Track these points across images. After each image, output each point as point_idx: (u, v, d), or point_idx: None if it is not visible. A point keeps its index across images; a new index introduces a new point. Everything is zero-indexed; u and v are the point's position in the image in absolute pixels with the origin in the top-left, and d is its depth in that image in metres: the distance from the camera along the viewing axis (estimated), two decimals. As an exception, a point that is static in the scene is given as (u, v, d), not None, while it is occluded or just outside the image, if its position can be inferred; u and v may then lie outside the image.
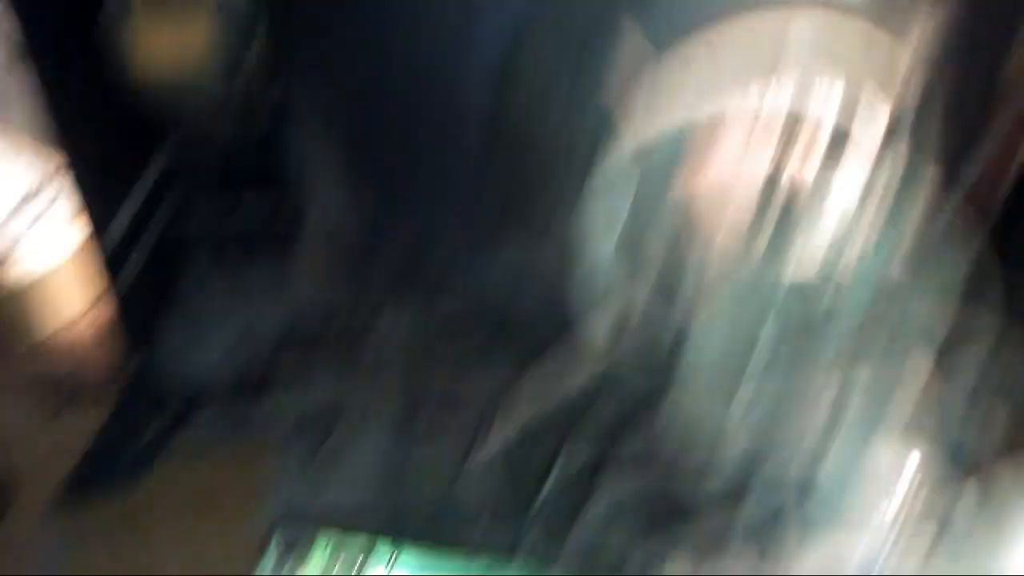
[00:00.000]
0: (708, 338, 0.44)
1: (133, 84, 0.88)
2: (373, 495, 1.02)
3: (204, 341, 1.14)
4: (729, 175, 0.48)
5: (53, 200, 1.32)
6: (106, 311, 0.99)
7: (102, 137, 0.99)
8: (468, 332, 1.11)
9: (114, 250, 0.98)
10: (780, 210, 0.41)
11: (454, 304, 1.06)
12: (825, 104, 0.48)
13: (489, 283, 0.83)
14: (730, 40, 0.50)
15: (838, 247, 0.44)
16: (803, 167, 0.46)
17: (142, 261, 1.07)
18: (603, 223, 0.56)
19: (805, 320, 0.43)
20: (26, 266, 1.26)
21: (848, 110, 0.48)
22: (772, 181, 0.42)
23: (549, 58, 0.61)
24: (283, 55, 0.80)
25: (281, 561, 0.83)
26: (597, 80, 0.58)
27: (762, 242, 0.42)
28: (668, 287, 0.53)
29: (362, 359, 1.13)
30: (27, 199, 1.33)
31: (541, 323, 1.01)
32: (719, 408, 0.47)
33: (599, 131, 0.57)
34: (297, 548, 0.87)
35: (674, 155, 0.51)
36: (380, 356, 1.11)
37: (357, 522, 1.03)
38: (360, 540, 0.93)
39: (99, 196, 0.97)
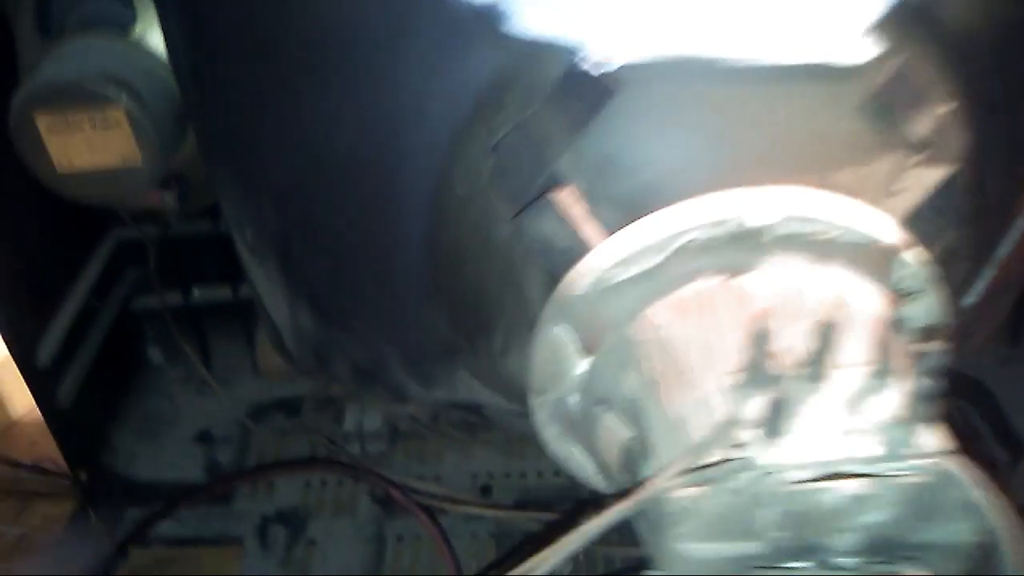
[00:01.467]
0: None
1: (51, 190, 0.82)
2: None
3: (162, 440, 1.09)
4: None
5: None
6: (50, 414, 0.94)
7: (26, 230, 0.92)
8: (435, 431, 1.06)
9: (49, 352, 0.92)
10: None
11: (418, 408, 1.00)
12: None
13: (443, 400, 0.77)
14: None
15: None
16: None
17: (88, 357, 1.01)
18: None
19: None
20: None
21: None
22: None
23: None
24: (211, 160, 0.73)
25: None
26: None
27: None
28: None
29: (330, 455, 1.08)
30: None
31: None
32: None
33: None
34: None
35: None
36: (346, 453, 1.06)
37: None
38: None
39: (29, 292, 0.91)
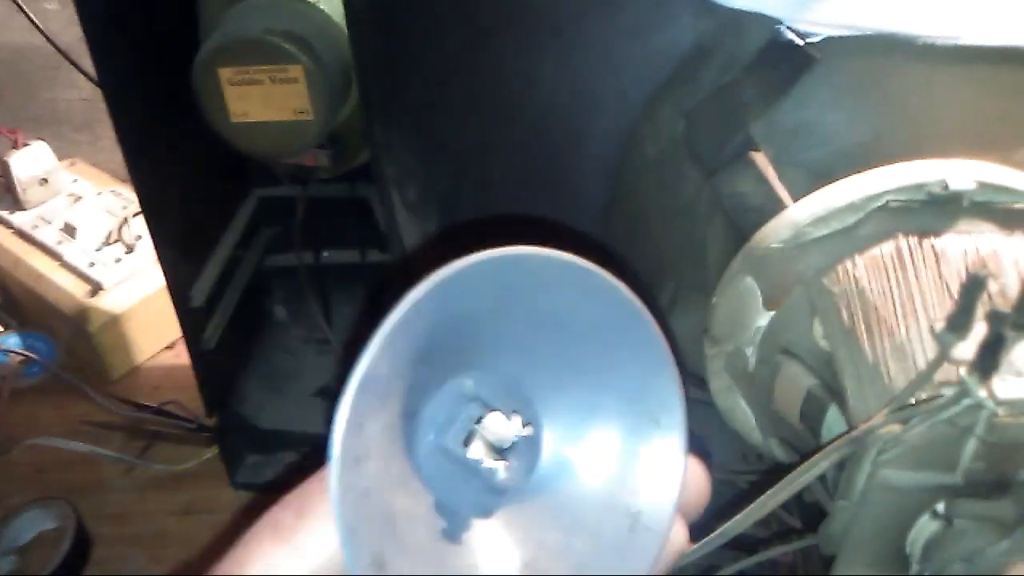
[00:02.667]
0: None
1: (221, 136, 0.87)
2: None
3: (285, 394, 1.15)
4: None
5: (138, 238, 1.34)
6: (197, 353, 1.00)
7: (189, 179, 0.98)
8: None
9: (199, 302, 0.98)
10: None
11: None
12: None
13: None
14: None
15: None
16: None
17: (231, 304, 1.07)
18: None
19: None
20: (115, 299, 1.29)
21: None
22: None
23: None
24: (381, 120, 0.78)
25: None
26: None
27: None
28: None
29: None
30: (112, 236, 1.35)
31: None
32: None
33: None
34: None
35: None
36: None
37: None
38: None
39: (187, 237, 0.97)
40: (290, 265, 1.16)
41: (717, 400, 0.56)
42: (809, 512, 1.01)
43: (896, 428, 0.39)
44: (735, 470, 1.09)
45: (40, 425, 1.26)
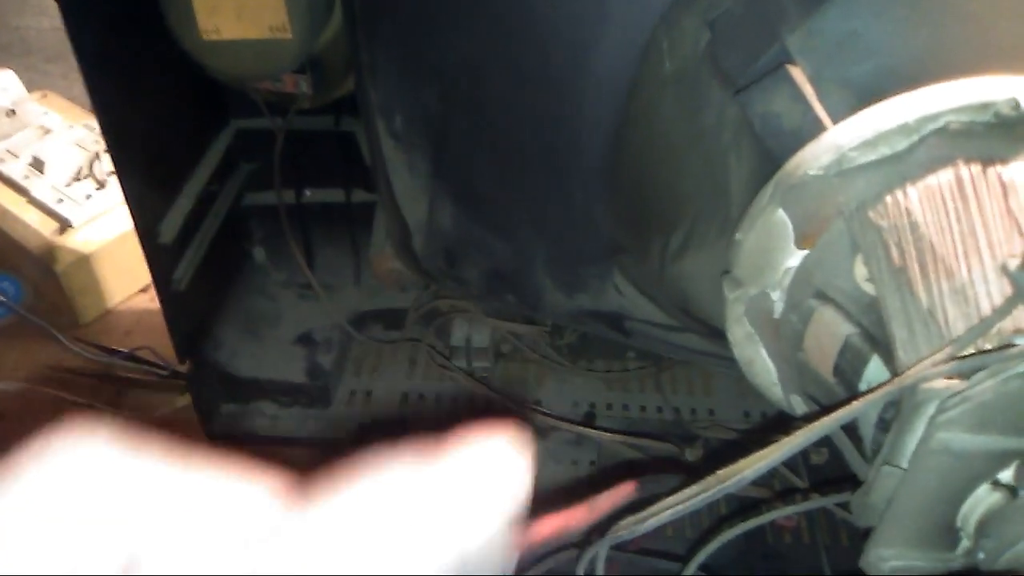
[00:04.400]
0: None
1: (191, 57, 0.81)
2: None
3: (263, 340, 1.09)
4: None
5: (110, 174, 1.27)
6: (167, 294, 0.94)
7: (159, 105, 0.91)
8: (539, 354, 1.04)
9: (168, 239, 0.92)
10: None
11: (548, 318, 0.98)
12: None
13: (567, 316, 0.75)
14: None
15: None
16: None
17: (204, 243, 1.01)
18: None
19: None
20: (85, 237, 1.23)
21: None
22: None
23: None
24: (366, 38, 0.71)
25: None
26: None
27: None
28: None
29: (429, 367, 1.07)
30: (83, 172, 1.28)
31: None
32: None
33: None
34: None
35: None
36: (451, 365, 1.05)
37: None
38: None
39: (155, 169, 0.90)
40: (270, 204, 1.09)
41: (735, 351, 0.51)
42: (816, 473, 0.96)
43: (956, 383, 0.34)
44: (737, 428, 1.04)
45: (5, 370, 1.20)
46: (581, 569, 0.46)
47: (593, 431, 0.99)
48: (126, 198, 0.84)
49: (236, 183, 1.06)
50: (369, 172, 1.00)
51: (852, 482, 0.41)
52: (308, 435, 1.05)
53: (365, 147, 0.96)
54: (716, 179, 0.51)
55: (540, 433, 1.00)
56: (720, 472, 0.39)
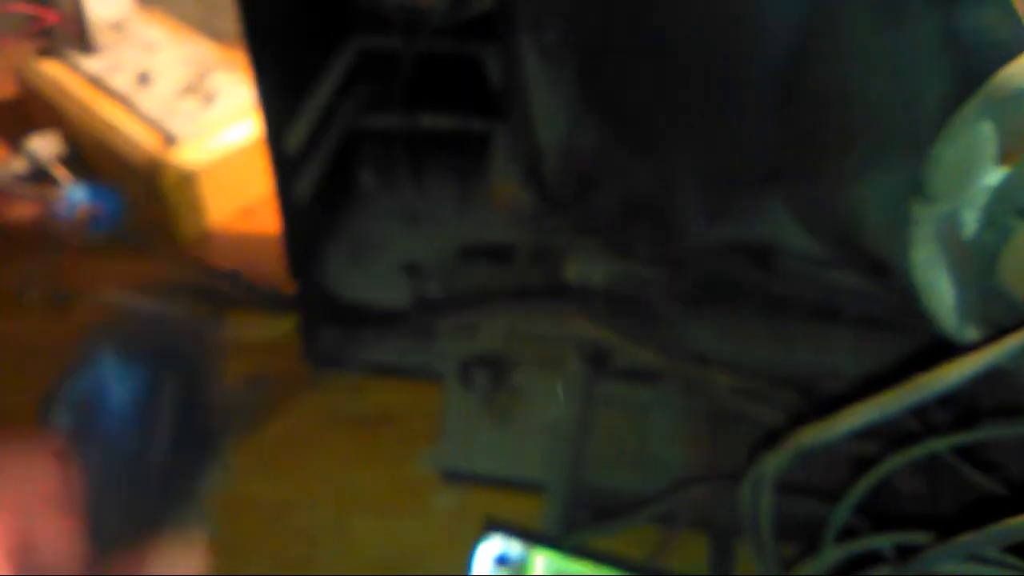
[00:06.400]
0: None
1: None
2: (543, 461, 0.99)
3: (369, 266, 1.12)
4: None
5: (221, 88, 1.31)
6: (287, 207, 0.96)
7: (292, 8, 0.93)
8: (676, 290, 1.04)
9: (293, 148, 0.94)
10: None
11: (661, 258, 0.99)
12: None
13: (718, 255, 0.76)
14: None
15: None
16: None
17: (323, 161, 1.03)
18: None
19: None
20: (191, 154, 1.26)
21: None
22: None
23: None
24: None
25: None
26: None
27: None
28: None
29: (544, 303, 1.08)
30: (189, 88, 1.32)
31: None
32: None
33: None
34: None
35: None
36: (565, 301, 1.06)
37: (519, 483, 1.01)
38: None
39: (285, 76, 0.92)
40: (382, 128, 1.12)
41: (916, 274, 0.51)
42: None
43: None
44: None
45: (106, 282, 1.25)
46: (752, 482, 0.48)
47: (707, 377, 1.00)
48: (259, 98, 0.87)
49: (354, 103, 1.09)
50: (488, 99, 1.02)
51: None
52: (410, 366, 1.07)
53: (494, 70, 0.98)
54: (910, 95, 0.51)
55: (649, 378, 1.01)
56: (920, 378, 0.40)
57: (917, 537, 0.52)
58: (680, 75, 0.63)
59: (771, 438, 0.49)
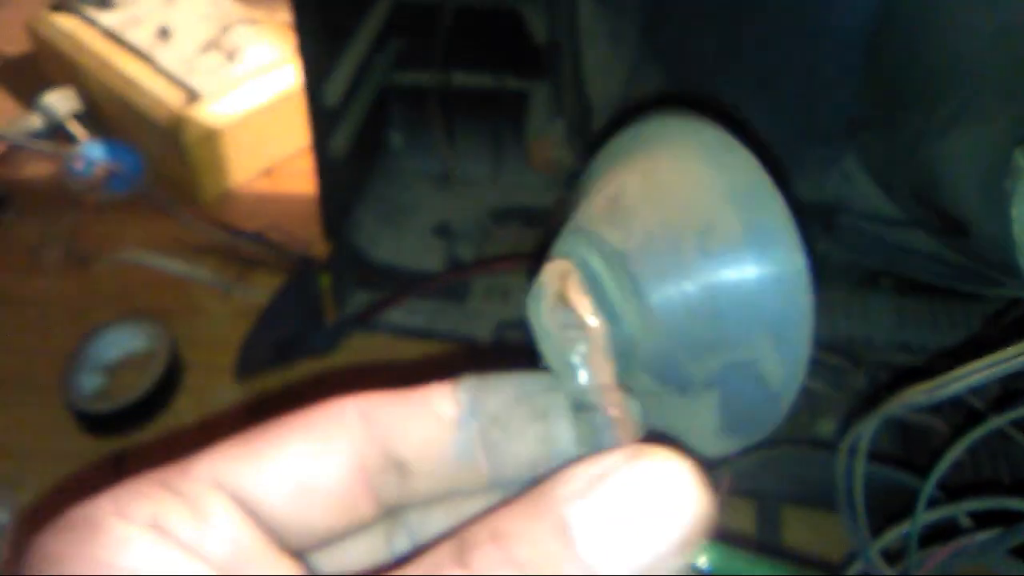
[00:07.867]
0: None
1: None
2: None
3: (401, 228, 1.10)
4: None
5: (244, 43, 1.28)
6: (323, 162, 0.94)
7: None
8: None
9: (331, 101, 0.92)
10: None
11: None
12: None
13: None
14: None
15: None
16: None
17: (359, 116, 1.01)
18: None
19: None
20: (214, 111, 1.24)
21: None
22: None
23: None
24: None
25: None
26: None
27: None
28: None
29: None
30: (212, 43, 1.29)
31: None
32: None
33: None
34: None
35: None
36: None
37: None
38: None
39: (319, 38, 0.90)
40: (413, 86, 1.10)
41: (1016, 229, 0.50)
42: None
43: None
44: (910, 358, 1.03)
45: (125, 242, 1.23)
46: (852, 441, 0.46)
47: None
48: (299, 47, 0.84)
49: (387, 59, 1.06)
50: (523, 57, 1.00)
51: None
52: (443, 329, 1.06)
53: (535, 24, 0.95)
54: (1008, 45, 0.49)
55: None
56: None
57: (1013, 503, 0.50)
58: (755, 24, 0.61)
59: (863, 407, 0.48)
